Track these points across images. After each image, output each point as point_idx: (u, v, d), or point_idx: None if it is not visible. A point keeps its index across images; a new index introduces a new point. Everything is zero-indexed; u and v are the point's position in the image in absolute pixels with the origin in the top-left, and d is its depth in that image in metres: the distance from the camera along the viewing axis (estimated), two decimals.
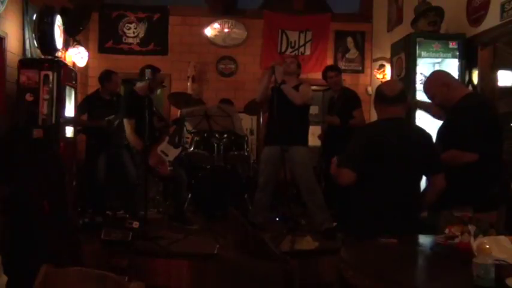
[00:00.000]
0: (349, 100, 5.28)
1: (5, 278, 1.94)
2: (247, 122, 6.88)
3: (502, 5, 4.23)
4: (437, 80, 3.08)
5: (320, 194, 4.54)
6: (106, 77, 5.43)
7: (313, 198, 4.53)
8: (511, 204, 2.91)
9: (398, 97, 2.78)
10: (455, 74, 4.91)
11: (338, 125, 5.17)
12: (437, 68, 5.18)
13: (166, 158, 4.88)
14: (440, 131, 3.07)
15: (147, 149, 4.67)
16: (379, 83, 4.44)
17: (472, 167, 2.76)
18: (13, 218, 3.76)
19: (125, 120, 4.79)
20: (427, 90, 3.14)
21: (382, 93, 2.79)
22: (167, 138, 4.96)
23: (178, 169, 5.02)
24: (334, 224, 4.49)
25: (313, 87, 6.08)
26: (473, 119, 2.81)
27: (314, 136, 5.72)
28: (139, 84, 4.84)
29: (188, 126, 5.79)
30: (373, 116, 4.37)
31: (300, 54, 7.45)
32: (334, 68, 5.64)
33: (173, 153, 4.93)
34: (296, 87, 4.67)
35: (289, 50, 7.67)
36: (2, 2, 4.59)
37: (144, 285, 1.45)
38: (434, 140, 2.97)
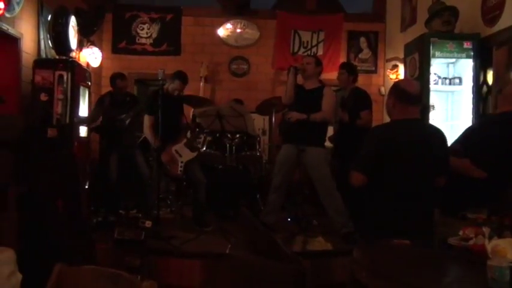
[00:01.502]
0: (358, 100, 5.24)
1: (19, 276, 1.96)
2: (259, 122, 6.89)
3: None
4: None
5: (338, 197, 4.44)
6: (112, 80, 5.52)
7: (331, 201, 4.46)
8: None
9: (420, 97, 2.76)
10: (469, 74, 4.87)
11: (347, 122, 5.13)
12: (451, 68, 5.14)
13: (179, 158, 4.92)
14: (472, 131, 3.04)
15: (160, 148, 4.76)
16: (392, 83, 4.39)
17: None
18: (27, 217, 3.80)
19: (145, 117, 4.94)
20: None
21: (406, 92, 2.70)
22: (185, 140, 5.00)
23: (195, 171, 5.04)
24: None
25: None
26: (498, 140, 2.76)
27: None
28: (171, 85, 4.98)
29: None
30: (386, 116, 4.31)
31: (312, 54, 7.43)
32: (343, 66, 5.58)
33: (187, 155, 4.96)
34: (318, 90, 4.60)
35: (302, 50, 7.65)
36: (18, 3, 4.65)
37: (157, 284, 1.46)
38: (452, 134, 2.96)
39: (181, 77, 5.03)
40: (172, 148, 4.90)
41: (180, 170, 4.96)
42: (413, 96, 2.70)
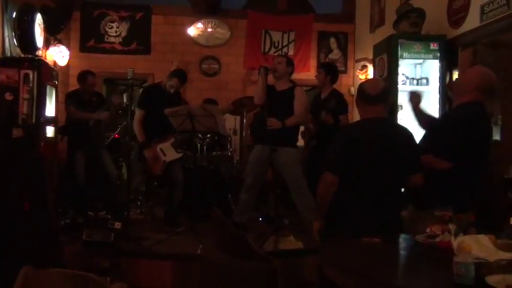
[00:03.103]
0: (339, 103, 5.29)
1: None
2: (230, 122, 6.88)
3: (482, 7, 4.30)
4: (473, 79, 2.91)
5: (309, 196, 4.49)
6: (81, 78, 5.42)
7: (302, 200, 4.51)
8: (481, 208, 2.93)
9: (380, 96, 2.78)
10: (436, 75, 4.99)
11: (331, 124, 5.16)
12: (418, 69, 5.25)
13: (163, 157, 4.87)
14: (434, 123, 3.09)
15: (145, 145, 4.72)
16: None
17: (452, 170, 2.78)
18: None
19: (136, 109, 4.94)
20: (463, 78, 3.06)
21: (365, 92, 2.78)
22: (172, 139, 4.96)
23: (178, 172, 5.00)
24: None
25: None
26: (460, 131, 2.76)
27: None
28: (169, 82, 4.98)
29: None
30: (356, 116, 4.38)
31: (283, 54, 7.47)
32: (322, 65, 5.73)
33: (172, 155, 4.93)
34: (290, 91, 4.63)
35: (273, 50, 7.68)
36: None
37: (127, 286, 1.44)
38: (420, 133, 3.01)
39: (179, 75, 5.03)
40: (157, 146, 4.86)
41: (161, 169, 4.92)
42: (372, 96, 2.75)
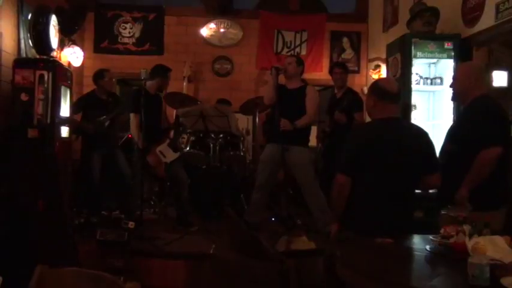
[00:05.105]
0: (353, 101, 5.28)
1: None
2: (243, 122, 6.88)
3: (497, 6, 4.24)
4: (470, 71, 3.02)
5: (321, 196, 4.49)
6: (99, 75, 5.46)
7: (314, 200, 4.51)
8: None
9: (400, 94, 2.77)
10: (450, 74, 4.92)
11: (343, 123, 5.14)
12: (432, 68, 5.21)
13: (163, 159, 4.90)
14: (453, 130, 3.07)
15: (147, 148, 4.73)
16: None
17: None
18: (8, 218, 3.75)
19: (131, 115, 4.90)
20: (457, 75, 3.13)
21: (385, 90, 2.71)
22: (168, 140, 4.98)
23: (179, 171, 5.02)
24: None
25: None
26: (492, 117, 2.83)
27: (312, 136, 5.71)
28: (149, 83, 4.94)
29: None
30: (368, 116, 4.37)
31: (295, 54, 7.45)
32: (340, 65, 5.74)
33: (171, 155, 4.95)
34: (301, 89, 4.63)
35: (285, 50, 7.67)
36: None
37: (140, 285, 1.45)
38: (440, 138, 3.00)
39: (160, 72, 4.99)
40: (156, 149, 4.88)
41: (165, 171, 4.96)
42: (393, 94, 2.72)
